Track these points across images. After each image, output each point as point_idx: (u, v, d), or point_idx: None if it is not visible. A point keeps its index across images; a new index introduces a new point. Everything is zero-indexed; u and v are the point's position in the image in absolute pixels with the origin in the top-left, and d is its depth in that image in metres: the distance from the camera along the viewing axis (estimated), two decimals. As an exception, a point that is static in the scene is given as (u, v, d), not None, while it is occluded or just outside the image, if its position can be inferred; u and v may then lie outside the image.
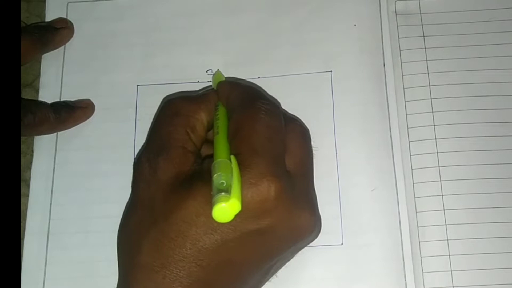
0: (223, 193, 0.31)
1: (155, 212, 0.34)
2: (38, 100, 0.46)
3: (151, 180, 0.35)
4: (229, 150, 0.35)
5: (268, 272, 0.37)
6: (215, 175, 0.32)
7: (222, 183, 0.32)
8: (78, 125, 0.45)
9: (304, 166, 0.37)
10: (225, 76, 0.45)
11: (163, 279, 0.32)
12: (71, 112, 0.45)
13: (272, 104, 0.36)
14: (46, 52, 0.47)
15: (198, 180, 0.34)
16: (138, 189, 0.36)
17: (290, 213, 0.34)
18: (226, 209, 0.31)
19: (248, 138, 0.34)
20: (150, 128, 0.41)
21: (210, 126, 0.38)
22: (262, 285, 0.37)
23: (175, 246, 0.32)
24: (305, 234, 0.36)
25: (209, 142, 0.38)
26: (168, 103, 0.38)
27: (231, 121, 0.36)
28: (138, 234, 0.34)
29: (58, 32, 0.47)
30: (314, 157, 0.40)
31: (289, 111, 0.44)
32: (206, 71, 0.46)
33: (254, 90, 0.40)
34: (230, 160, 0.33)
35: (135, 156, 0.39)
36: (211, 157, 0.35)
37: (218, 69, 0.45)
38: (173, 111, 0.37)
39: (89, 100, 0.46)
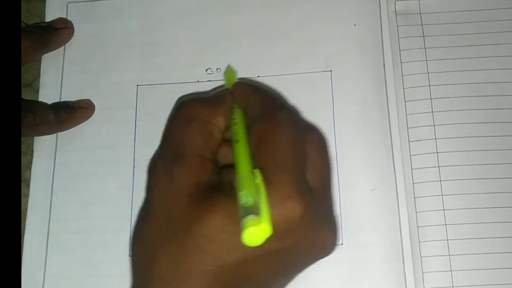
0: (252, 215, 0.30)
1: (173, 223, 0.33)
2: (38, 101, 0.46)
3: (167, 189, 0.34)
4: (251, 162, 0.33)
5: (285, 284, 0.36)
6: (241, 193, 0.31)
7: (249, 201, 0.30)
8: (78, 125, 0.45)
9: (325, 179, 0.36)
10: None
11: None
12: (71, 113, 0.45)
13: (294, 114, 0.36)
14: (46, 52, 0.47)
15: (219, 192, 0.33)
16: (154, 198, 0.35)
17: (313, 231, 0.33)
18: (257, 234, 0.30)
19: (273, 152, 0.33)
20: (164, 132, 0.40)
21: (227, 130, 0.37)
22: None
23: (194, 261, 0.32)
24: (326, 250, 0.35)
25: (224, 141, 0.37)
26: (183, 106, 0.37)
27: (252, 131, 0.35)
28: (155, 245, 0.33)
29: (58, 33, 0.47)
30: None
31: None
32: (206, 71, 0.46)
33: (274, 97, 0.38)
34: (253, 174, 0.32)
35: (150, 161, 0.37)
36: (229, 166, 0.35)
37: (229, 65, 0.45)
38: (189, 116, 0.36)
39: (89, 100, 0.46)
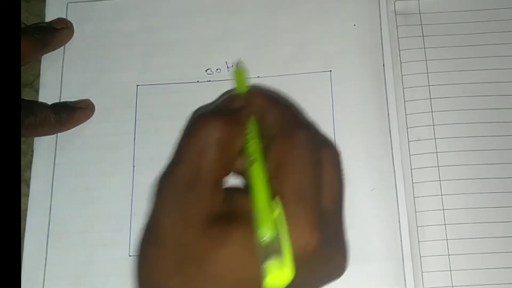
0: (273, 256, 0.29)
1: (186, 253, 0.31)
2: (39, 101, 0.46)
3: (179, 218, 0.32)
4: (269, 189, 0.31)
5: None
6: (261, 230, 0.30)
7: (269, 237, 0.29)
8: (78, 125, 0.45)
9: (338, 203, 0.35)
10: (226, 75, 0.46)
11: None
12: (72, 113, 0.45)
13: (312, 132, 0.34)
14: (46, 52, 0.47)
15: (233, 220, 0.31)
16: (164, 225, 0.32)
17: (325, 259, 0.33)
18: (279, 278, 0.29)
19: (292, 178, 0.31)
20: (178, 147, 0.35)
21: None
22: None
23: None
24: (336, 274, 0.35)
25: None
26: (202, 124, 0.34)
27: (271, 153, 0.33)
28: (167, 274, 0.31)
29: (58, 33, 0.47)
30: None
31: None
32: (206, 71, 0.46)
33: (294, 112, 0.37)
34: (272, 204, 0.31)
35: (159, 179, 0.35)
36: (239, 192, 0.33)
37: (239, 62, 0.44)
38: (208, 137, 0.33)
39: (89, 100, 0.46)
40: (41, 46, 0.46)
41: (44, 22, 0.48)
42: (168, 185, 0.33)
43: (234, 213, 0.32)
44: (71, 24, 0.48)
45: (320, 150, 0.34)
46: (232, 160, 0.34)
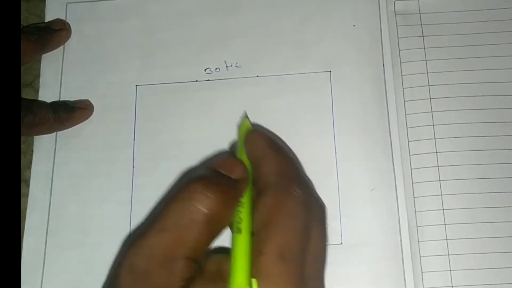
0: None
1: None
2: (38, 100, 0.46)
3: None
4: (248, 263, 0.29)
5: None
6: None
7: None
8: (77, 125, 0.45)
9: (322, 267, 0.33)
10: (225, 74, 0.46)
11: None
12: (70, 113, 0.45)
13: (306, 189, 0.32)
14: (44, 53, 0.47)
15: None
16: None
17: None
18: None
19: (279, 237, 0.29)
20: (162, 208, 0.31)
21: None
22: None
23: None
24: None
25: None
26: (193, 193, 0.30)
27: (261, 204, 0.31)
28: None
29: (56, 34, 0.47)
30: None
31: (288, 111, 0.45)
32: (205, 70, 0.46)
33: (293, 164, 0.34)
34: (249, 282, 0.29)
35: (128, 236, 0.32)
36: (222, 255, 0.31)
37: (245, 115, 0.43)
38: (197, 213, 0.30)
39: (88, 100, 0.46)
40: (39, 47, 0.46)
41: (42, 23, 0.48)
42: (140, 253, 0.29)
43: (212, 278, 0.30)
44: (69, 25, 0.48)
45: (312, 209, 0.32)
46: (219, 233, 0.31)
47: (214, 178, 0.32)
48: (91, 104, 0.46)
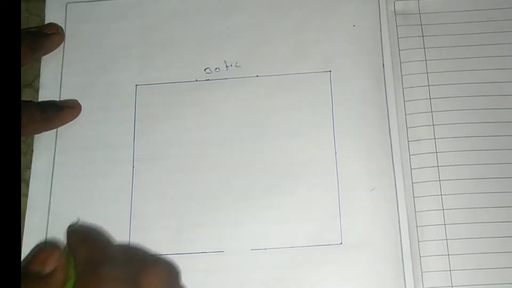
0: None
1: None
2: (25, 100, 0.45)
3: None
4: None
5: None
6: None
7: None
8: (77, 125, 0.45)
9: None
10: (225, 74, 0.46)
11: None
12: (58, 111, 0.45)
13: (120, 269, 0.33)
14: (37, 57, 0.47)
15: None
16: None
17: None
18: None
19: None
20: None
21: None
22: None
23: None
24: None
25: None
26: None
27: None
28: None
29: (48, 38, 0.46)
30: None
31: (288, 111, 0.45)
32: (204, 70, 0.46)
33: (101, 249, 0.35)
34: None
35: None
36: None
37: (78, 220, 0.43)
38: None
39: (75, 100, 0.46)
40: (31, 51, 0.45)
41: (34, 27, 0.48)
42: None
43: None
44: (62, 29, 0.48)
45: (139, 273, 0.33)
46: None
47: (30, 277, 0.32)
48: (78, 103, 0.46)
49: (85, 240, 0.36)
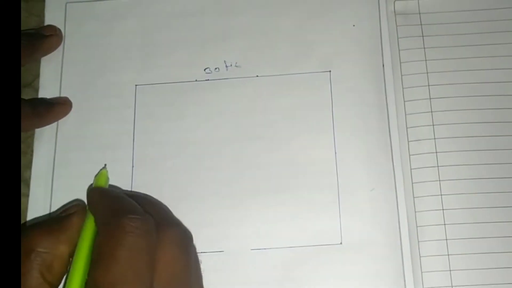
0: None
1: None
2: None
3: None
4: (83, 280, 0.31)
5: None
6: None
7: None
8: (77, 125, 0.45)
9: (177, 284, 0.33)
10: (225, 74, 0.46)
11: None
12: (49, 108, 0.45)
13: (141, 220, 0.32)
14: (34, 59, 0.47)
15: None
16: None
17: None
18: None
19: (108, 267, 0.30)
20: None
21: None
22: None
23: None
24: None
25: None
26: (22, 236, 0.33)
27: (94, 245, 0.32)
28: None
29: (46, 40, 0.46)
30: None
31: (288, 111, 0.45)
32: (204, 70, 0.46)
33: (122, 202, 0.35)
34: None
35: None
36: None
37: (105, 166, 0.43)
38: (25, 248, 0.32)
39: (66, 97, 0.46)
40: (28, 53, 0.45)
41: (32, 29, 0.47)
42: None
43: None
44: (60, 31, 0.48)
45: (161, 230, 0.33)
46: (59, 268, 0.33)
47: (37, 225, 0.34)
48: (69, 100, 0.46)
49: (104, 195, 0.36)
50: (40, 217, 0.43)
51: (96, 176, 0.39)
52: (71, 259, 0.33)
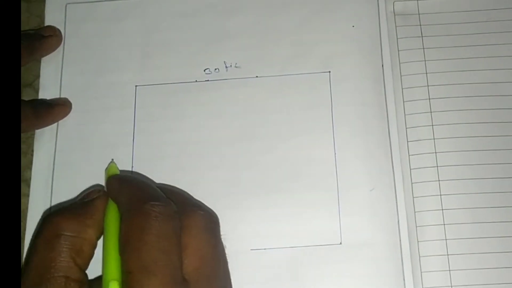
0: None
1: None
2: None
3: None
4: (119, 265, 0.32)
5: None
6: None
7: None
8: (77, 125, 0.45)
9: (206, 268, 0.33)
10: (225, 75, 0.46)
11: None
12: (49, 109, 0.45)
13: (164, 205, 0.33)
14: (34, 59, 0.47)
15: None
16: None
17: None
18: None
19: (138, 253, 0.30)
20: (27, 252, 0.36)
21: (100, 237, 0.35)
22: None
23: None
24: None
25: None
26: (47, 222, 0.33)
27: (120, 231, 0.32)
28: None
29: (45, 40, 0.47)
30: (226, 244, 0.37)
31: (288, 112, 0.45)
32: (204, 71, 0.46)
33: (144, 189, 0.35)
34: (120, 279, 0.31)
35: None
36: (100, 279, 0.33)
37: (112, 160, 0.43)
38: (54, 233, 0.33)
39: (66, 98, 0.46)
40: (28, 54, 0.45)
41: (31, 30, 0.48)
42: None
43: None
44: (60, 31, 0.48)
45: (186, 214, 0.33)
46: (88, 252, 0.34)
47: (67, 207, 0.35)
48: (69, 101, 0.46)
49: (124, 182, 0.36)
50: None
51: (106, 169, 0.39)
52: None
